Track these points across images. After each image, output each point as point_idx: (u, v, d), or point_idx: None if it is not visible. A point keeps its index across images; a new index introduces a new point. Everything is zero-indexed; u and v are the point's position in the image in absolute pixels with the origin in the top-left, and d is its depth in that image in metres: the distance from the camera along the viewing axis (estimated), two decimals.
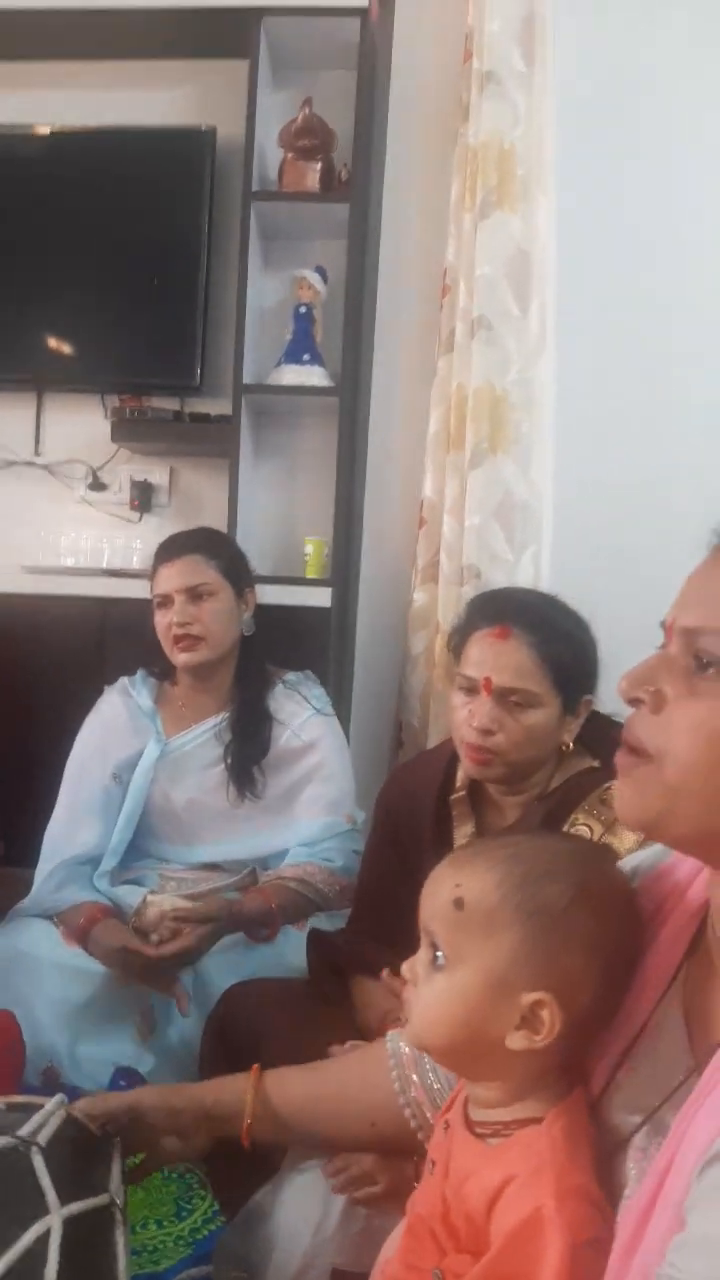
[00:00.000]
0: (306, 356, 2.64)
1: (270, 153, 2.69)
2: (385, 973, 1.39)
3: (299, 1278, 1.00)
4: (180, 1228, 1.38)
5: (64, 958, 1.79)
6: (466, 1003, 0.80)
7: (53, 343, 2.80)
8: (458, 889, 0.82)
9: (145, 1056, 1.74)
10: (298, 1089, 1.06)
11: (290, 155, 2.66)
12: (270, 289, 2.77)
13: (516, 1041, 0.77)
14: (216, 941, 1.74)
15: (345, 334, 2.58)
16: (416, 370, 2.70)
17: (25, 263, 2.78)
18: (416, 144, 2.75)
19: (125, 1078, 1.69)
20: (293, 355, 2.64)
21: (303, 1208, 1.05)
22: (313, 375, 2.62)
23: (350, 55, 2.59)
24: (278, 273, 2.77)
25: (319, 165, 2.65)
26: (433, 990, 0.82)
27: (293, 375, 2.62)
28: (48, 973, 1.77)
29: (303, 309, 2.66)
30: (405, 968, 0.87)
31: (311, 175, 2.65)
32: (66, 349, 2.81)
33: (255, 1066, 1.08)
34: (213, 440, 2.66)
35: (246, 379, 2.58)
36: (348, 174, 2.64)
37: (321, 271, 2.70)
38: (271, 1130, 1.05)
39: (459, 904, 0.81)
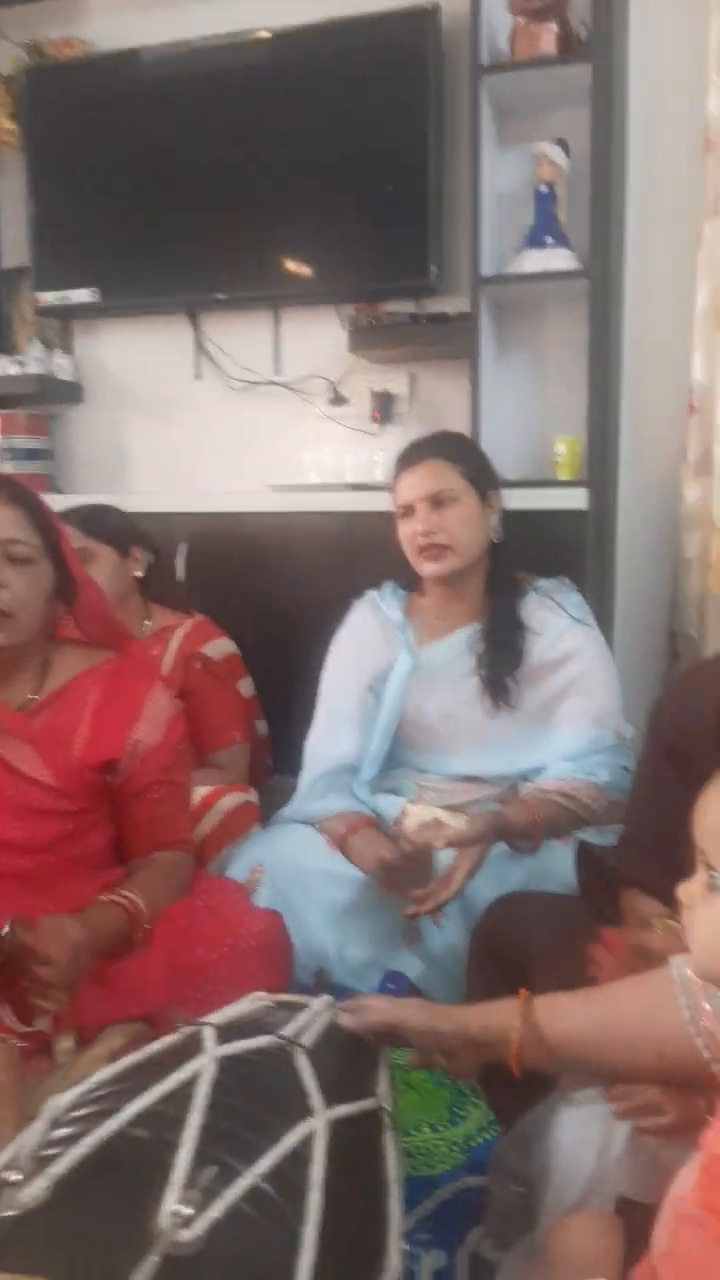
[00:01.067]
0: (550, 239, 2.45)
1: (498, 20, 2.48)
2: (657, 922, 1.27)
3: (582, 1202, 0.93)
4: (454, 1133, 1.37)
5: (329, 864, 1.81)
6: None
7: (284, 256, 2.77)
8: None
9: (412, 961, 1.74)
10: (573, 1018, 1.00)
11: (521, 20, 2.45)
12: (506, 171, 2.59)
13: None
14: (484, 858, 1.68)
15: (593, 210, 2.36)
16: (679, 241, 2.42)
17: (252, 177, 2.75)
18: None
19: (394, 981, 1.70)
20: (535, 240, 2.46)
21: (583, 1130, 0.98)
22: (557, 259, 2.43)
23: None
24: (514, 152, 2.58)
25: (554, 26, 2.42)
26: (711, 913, 0.72)
27: (535, 261, 2.44)
28: (315, 877, 1.80)
29: (544, 188, 2.46)
30: (681, 891, 0.79)
31: (546, 38, 2.43)
32: (298, 261, 2.76)
33: (523, 992, 1.03)
34: (452, 341, 2.54)
35: (485, 271, 2.43)
36: (587, 32, 2.39)
37: (563, 144, 2.48)
38: (543, 1058, 1.00)
39: None
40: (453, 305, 2.59)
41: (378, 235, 2.66)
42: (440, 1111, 1.41)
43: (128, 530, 2.27)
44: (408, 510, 1.90)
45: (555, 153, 2.46)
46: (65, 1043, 1.31)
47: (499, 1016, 1.02)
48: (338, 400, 2.83)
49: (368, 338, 2.66)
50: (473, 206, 2.43)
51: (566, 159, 2.47)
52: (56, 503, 2.50)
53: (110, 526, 2.23)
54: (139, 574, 2.26)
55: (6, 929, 1.25)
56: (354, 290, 2.74)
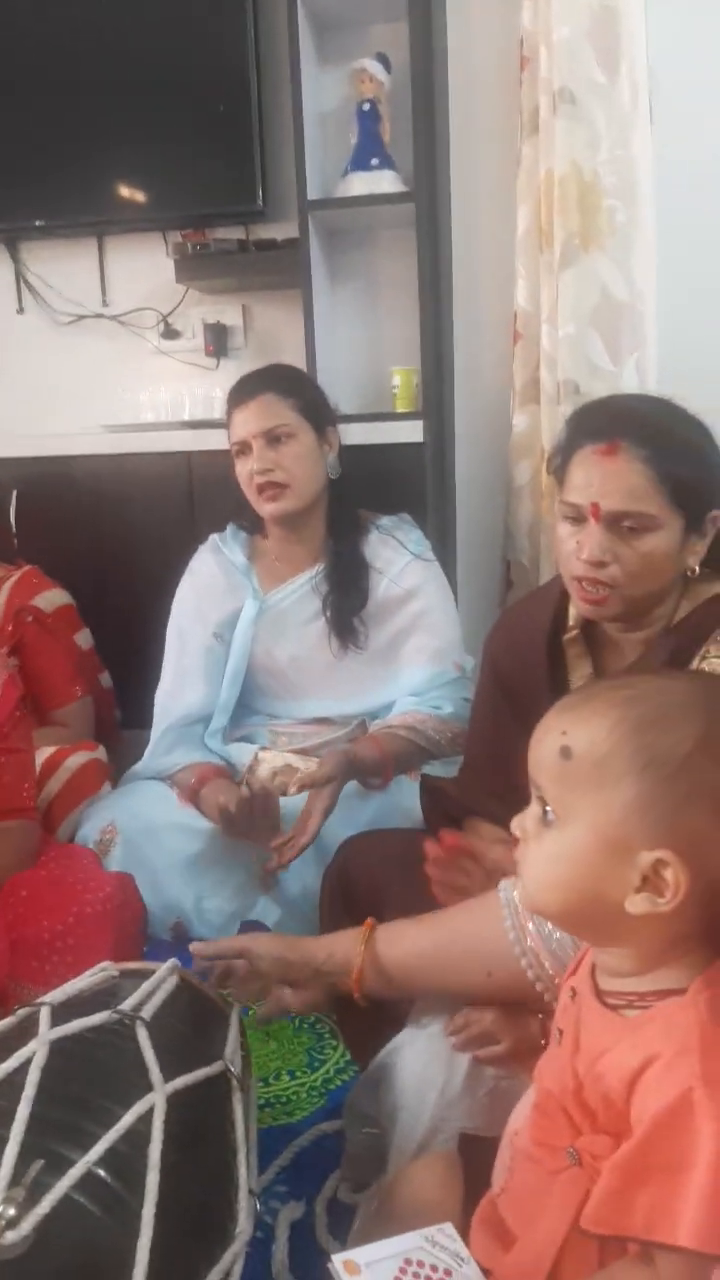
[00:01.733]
0: (375, 160, 2.37)
1: None
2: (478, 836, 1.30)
3: (427, 1140, 0.95)
4: (313, 1078, 1.38)
5: (182, 817, 1.79)
6: (578, 863, 0.70)
7: (107, 180, 2.60)
8: (564, 737, 0.72)
9: (271, 909, 1.74)
10: (410, 942, 1.04)
11: None
12: (329, 89, 2.49)
13: (638, 905, 0.68)
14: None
15: (415, 128, 2.29)
16: (501, 161, 2.39)
17: (71, 97, 2.56)
18: None
19: (252, 931, 1.69)
20: (360, 161, 2.38)
21: (425, 1068, 1.01)
22: (383, 181, 2.36)
23: None
24: (336, 69, 2.48)
25: None
26: (542, 849, 0.73)
27: (361, 183, 2.36)
28: (168, 832, 1.77)
29: (366, 105, 2.37)
30: (514, 824, 0.80)
31: None
32: (122, 185, 2.60)
33: (369, 921, 1.08)
34: (283, 269, 2.45)
35: (311, 194, 2.34)
36: None
37: (383, 60, 2.39)
38: (382, 984, 1.04)
39: (566, 753, 0.71)
40: (282, 231, 2.50)
41: (203, 158, 2.53)
42: (299, 1057, 1.42)
43: None
44: (243, 448, 1.84)
45: (376, 69, 2.37)
46: None
47: (343, 945, 1.06)
48: (170, 334, 2.71)
49: (196, 266, 2.54)
50: (295, 125, 2.32)
51: (388, 75, 2.39)
52: None
53: None
54: None
55: None
56: (181, 216, 2.61)
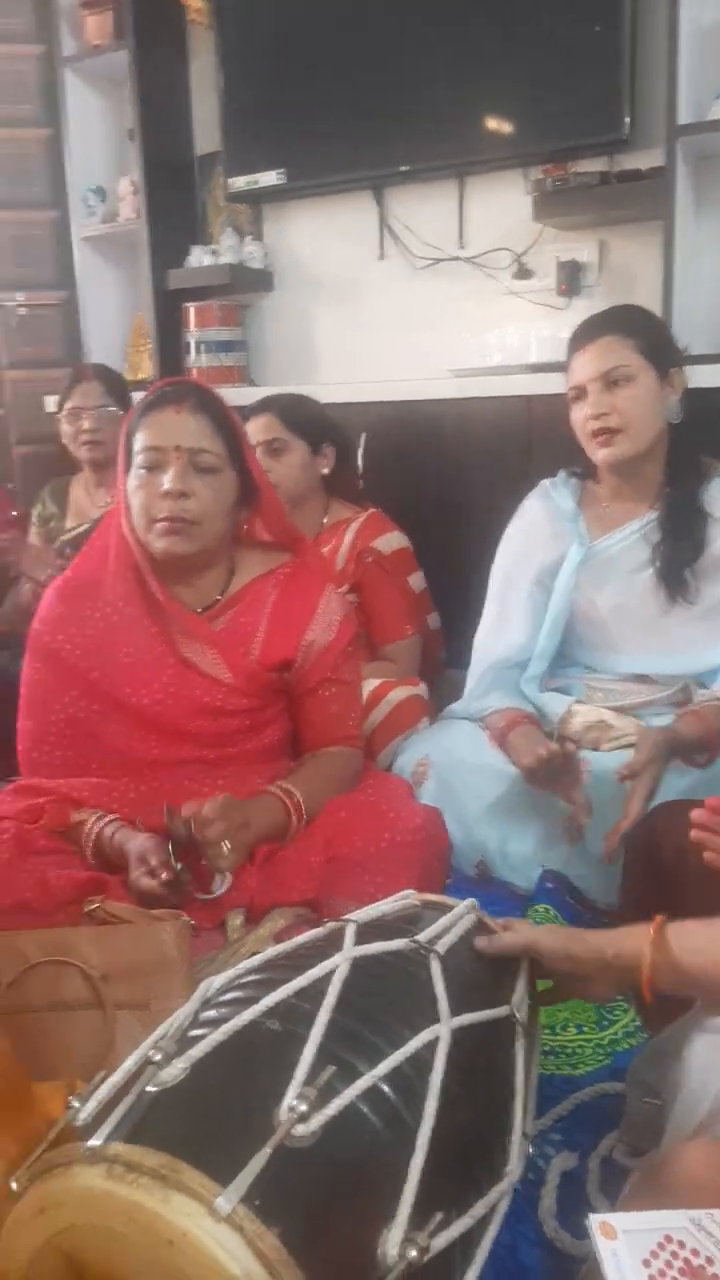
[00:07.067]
0: None
1: None
2: None
3: (707, 1124, 0.93)
4: (600, 1036, 1.39)
5: (492, 759, 1.83)
6: None
7: (468, 118, 2.59)
8: None
9: (574, 862, 1.74)
10: (701, 940, 0.98)
11: None
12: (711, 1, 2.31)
13: None
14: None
15: None
16: None
17: (434, 38, 2.58)
18: None
19: (552, 880, 1.71)
20: None
21: (715, 1052, 0.97)
22: None
23: None
24: None
25: None
26: None
27: None
28: (478, 772, 1.82)
29: None
30: None
31: None
32: (484, 122, 2.59)
33: (658, 918, 1.01)
34: (645, 201, 2.34)
35: (683, 118, 2.20)
36: None
37: None
38: (675, 982, 0.99)
39: None
40: (647, 160, 2.38)
41: (568, 85, 2.45)
42: (588, 1013, 1.43)
43: (322, 427, 2.27)
44: (580, 393, 1.80)
45: None
46: (235, 919, 1.41)
47: (633, 941, 1.00)
48: (523, 273, 2.68)
49: (554, 203, 2.49)
50: (669, 42, 2.19)
51: None
52: (252, 395, 2.54)
53: (307, 421, 2.25)
54: (325, 472, 2.28)
55: (167, 818, 1.35)
56: (542, 151, 2.55)
